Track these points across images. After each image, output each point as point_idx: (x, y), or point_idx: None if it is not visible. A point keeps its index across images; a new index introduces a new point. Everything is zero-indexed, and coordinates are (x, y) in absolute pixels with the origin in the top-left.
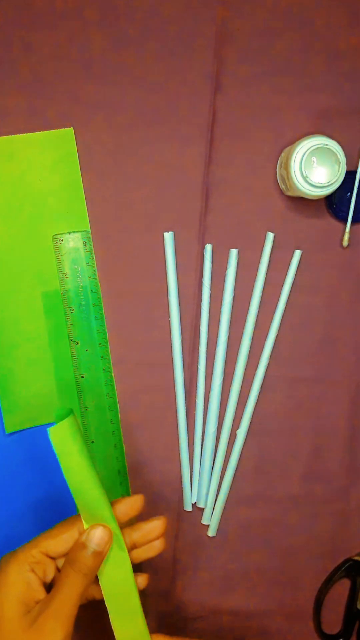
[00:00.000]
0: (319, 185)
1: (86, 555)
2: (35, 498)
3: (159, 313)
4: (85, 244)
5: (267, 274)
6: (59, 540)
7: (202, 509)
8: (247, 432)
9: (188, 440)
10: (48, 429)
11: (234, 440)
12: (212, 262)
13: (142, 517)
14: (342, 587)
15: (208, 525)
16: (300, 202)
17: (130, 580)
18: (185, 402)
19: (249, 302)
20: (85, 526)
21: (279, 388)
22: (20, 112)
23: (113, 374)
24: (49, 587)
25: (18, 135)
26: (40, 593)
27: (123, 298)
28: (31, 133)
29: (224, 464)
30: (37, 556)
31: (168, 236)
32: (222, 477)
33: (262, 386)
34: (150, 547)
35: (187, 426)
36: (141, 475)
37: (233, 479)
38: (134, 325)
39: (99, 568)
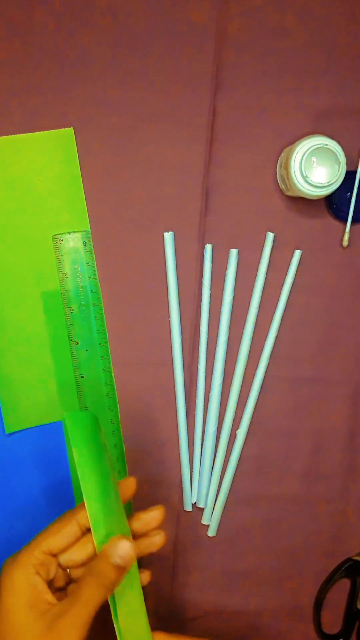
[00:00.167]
0: (319, 185)
1: (109, 567)
2: (35, 498)
3: (159, 313)
4: (85, 244)
5: (267, 274)
6: (59, 537)
7: (202, 509)
8: (247, 432)
9: (188, 440)
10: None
11: (234, 440)
12: (212, 262)
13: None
14: (342, 587)
15: (208, 525)
16: (300, 202)
17: (136, 578)
18: (185, 402)
19: (249, 302)
20: (95, 535)
21: (279, 388)
22: (20, 112)
23: (113, 374)
24: (51, 584)
25: (18, 135)
26: (48, 594)
27: (123, 298)
28: (31, 133)
29: (224, 464)
30: (40, 557)
31: (168, 236)
32: (222, 477)
33: (262, 386)
34: (151, 543)
35: (187, 426)
36: (141, 475)
37: (233, 479)
38: (134, 325)
39: (120, 581)
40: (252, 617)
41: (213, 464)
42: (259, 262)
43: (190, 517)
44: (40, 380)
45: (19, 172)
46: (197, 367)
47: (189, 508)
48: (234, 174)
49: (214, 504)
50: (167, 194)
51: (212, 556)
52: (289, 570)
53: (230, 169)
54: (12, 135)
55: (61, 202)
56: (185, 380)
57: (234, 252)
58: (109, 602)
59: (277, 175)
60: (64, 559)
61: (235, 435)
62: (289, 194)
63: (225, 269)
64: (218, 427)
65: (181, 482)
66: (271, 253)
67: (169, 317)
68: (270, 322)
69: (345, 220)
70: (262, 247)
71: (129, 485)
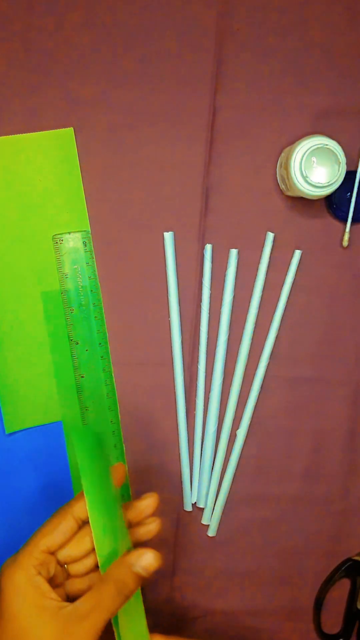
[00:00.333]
0: (319, 185)
1: (131, 576)
2: (35, 497)
3: (159, 313)
4: (85, 244)
5: (267, 274)
6: (57, 534)
7: (202, 509)
8: (247, 432)
9: (188, 440)
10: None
11: (234, 440)
12: (212, 262)
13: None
14: (342, 587)
15: (208, 525)
16: (300, 202)
17: (139, 599)
18: (185, 402)
19: (249, 302)
20: (94, 531)
21: (279, 388)
22: (20, 112)
23: (113, 374)
24: (51, 581)
25: (18, 135)
26: (52, 593)
27: (123, 298)
28: (31, 133)
29: (224, 464)
30: (40, 557)
31: (168, 236)
32: (222, 477)
33: (262, 386)
34: (147, 531)
35: (187, 426)
36: (141, 475)
37: (233, 479)
38: (134, 325)
39: (137, 590)
40: (252, 617)
41: (213, 464)
42: (259, 262)
43: (190, 517)
44: (40, 380)
45: (19, 172)
46: (197, 367)
47: (189, 508)
48: (234, 174)
49: (214, 504)
50: (167, 194)
51: (212, 556)
52: (289, 570)
53: (230, 169)
54: (12, 135)
55: (61, 202)
56: (185, 380)
57: (234, 252)
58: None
59: (277, 175)
60: (62, 555)
61: (235, 435)
62: (289, 194)
63: (225, 269)
64: (218, 427)
65: (181, 482)
66: (271, 253)
67: (169, 317)
68: (270, 322)
69: (345, 220)
70: (262, 247)
71: (119, 471)
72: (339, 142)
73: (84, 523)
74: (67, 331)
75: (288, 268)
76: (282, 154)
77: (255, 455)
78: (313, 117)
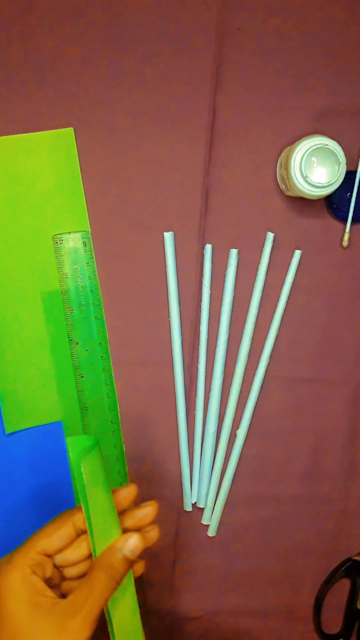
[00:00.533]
0: (319, 185)
1: (120, 561)
2: (35, 497)
3: (159, 313)
4: (85, 244)
5: (267, 274)
6: (55, 538)
7: (202, 509)
8: (247, 432)
9: (188, 440)
10: (80, 462)
11: (234, 440)
12: (212, 262)
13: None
14: (342, 587)
15: (208, 525)
16: (300, 202)
17: (131, 586)
18: (185, 402)
19: (249, 302)
20: (93, 546)
21: (279, 388)
22: (20, 112)
23: (113, 374)
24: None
25: (18, 135)
26: (48, 591)
27: (123, 298)
28: (31, 133)
29: (224, 464)
30: (36, 557)
31: (168, 236)
32: (222, 477)
33: (262, 386)
34: (145, 539)
35: (187, 426)
36: (141, 475)
37: (233, 479)
38: (134, 325)
39: (126, 574)
40: (251, 617)
41: (213, 464)
42: (259, 262)
43: (190, 517)
44: (40, 380)
45: (19, 172)
46: (197, 367)
47: (189, 508)
48: (234, 174)
49: (214, 504)
50: (167, 194)
51: (212, 556)
52: (289, 570)
53: (230, 169)
54: (12, 135)
55: (61, 202)
56: (185, 380)
57: (234, 252)
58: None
59: (277, 175)
60: (58, 559)
61: (235, 435)
62: (289, 194)
63: (225, 269)
64: (218, 427)
65: (181, 482)
66: (271, 253)
67: (169, 317)
68: (270, 322)
69: (345, 220)
70: (262, 247)
71: (129, 495)
72: (339, 142)
73: (82, 532)
74: (67, 331)
75: (288, 268)
76: (282, 154)
77: (255, 455)
78: (313, 117)
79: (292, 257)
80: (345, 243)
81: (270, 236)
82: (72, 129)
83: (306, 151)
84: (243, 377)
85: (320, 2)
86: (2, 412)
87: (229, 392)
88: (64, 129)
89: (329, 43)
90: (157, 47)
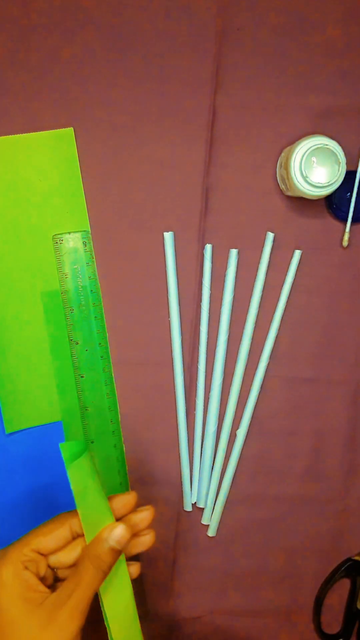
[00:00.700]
0: (319, 185)
1: (106, 551)
2: (34, 497)
3: (159, 313)
4: (85, 244)
5: (267, 274)
6: (50, 538)
7: (202, 509)
8: (247, 432)
9: (188, 440)
10: (69, 466)
11: (234, 440)
12: (212, 262)
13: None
14: (342, 587)
15: (208, 525)
16: (300, 202)
17: (124, 571)
18: (185, 402)
19: (249, 302)
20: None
21: (279, 388)
22: (20, 112)
23: (113, 374)
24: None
25: (18, 135)
26: (40, 586)
27: (123, 298)
28: (31, 133)
29: (224, 464)
30: (30, 554)
31: (168, 236)
32: (222, 477)
33: (262, 386)
34: (141, 542)
35: (187, 426)
36: (141, 476)
37: (233, 479)
38: (134, 325)
39: (114, 565)
40: (252, 617)
41: (213, 464)
42: (259, 262)
43: (190, 517)
44: (40, 380)
45: (19, 172)
46: (197, 367)
47: (189, 508)
48: (234, 174)
49: (214, 504)
50: (167, 194)
51: (212, 556)
52: (289, 570)
53: (230, 169)
54: (12, 135)
55: (61, 202)
56: (185, 380)
57: (234, 252)
58: (99, 596)
59: (277, 175)
60: (52, 560)
61: (235, 435)
62: (289, 194)
63: (225, 269)
64: (218, 427)
65: (181, 482)
66: (271, 253)
67: (169, 317)
68: (270, 322)
69: (345, 220)
70: (262, 247)
71: (129, 502)
72: (339, 142)
73: (78, 535)
74: (67, 331)
75: (288, 268)
76: (282, 154)
77: (255, 455)
78: (313, 117)
79: (292, 257)
80: (345, 243)
81: (270, 236)
82: (72, 129)
83: (306, 151)
84: (243, 377)
85: (320, 2)
86: (2, 412)
87: (229, 392)
88: (64, 129)
89: (329, 43)
90: (157, 47)
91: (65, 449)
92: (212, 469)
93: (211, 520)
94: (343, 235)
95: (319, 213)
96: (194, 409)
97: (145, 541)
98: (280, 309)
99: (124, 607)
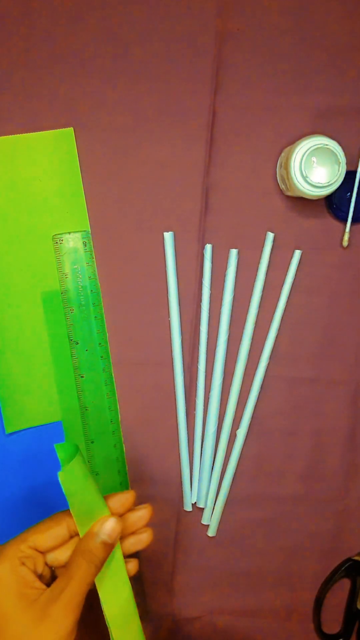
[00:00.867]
0: (319, 185)
1: (98, 545)
2: (35, 497)
3: (159, 313)
4: (85, 244)
5: (267, 274)
6: (47, 536)
7: (202, 509)
8: (247, 432)
9: (188, 440)
10: (59, 473)
11: (234, 440)
12: (212, 262)
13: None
14: (342, 587)
15: (208, 525)
16: (300, 202)
17: (125, 579)
18: (185, 402)
19: (249, 302)
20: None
21: (279, 388)
22: (20, 112)
23: (113, 374)
24: (40, 577)
25: (18, 135)
26: (37, 583)
27: (123, 298)
28: (31, 133)
29: (224, 464)
30: (27, 551)
31: (168, 236)
32: (222, 477)
33: (262, 386)
34: (138, 541)
35: (187, 426)
36: (141, 476)
37: (233, 479)
38: (134, 325)
39: (107, 558)
40: (252, 617)
41: (213, 464)
42: (259, 262)
43: (190, 517)
44: (40, 380)
45: (19, 172)
46: (197, 367)
47: (189, 508)
48: (234, 174)
49: (214, 504)
50: (167, 194)
51: (212, 556)
52: (289, 570)
53: (230, 169)
54: (12, 135)
55: (61, 202)
56: (185, 380)
57: (234, 252)
58: (97, 590)
59: (277, 175)
60: (50, 558)
61: (235, 435)
62: (289, 194)
63: (225, 269)
64: (218, 427)
65: (181, 482)
66: (271, 253)
67: (169, 317)
68: (270, 322)
69: (345, 220)
70: (262, 247)
71: (127, 501)
72: (339, 142)
73: (76, 534)
74: (67, 331)
75: (288, 268)
76: (282, 154)
77: (255, 455)
78: (313, 117)
79: (292, 257)
80: (345, 243)
81: (270, 236)
82: (72, 129)
83: (306, 151)
84: (243, 377)
85: (320, 2)
86: (2, 412)
87: (229, 392)
88: (64, 129)
89: (329, 43)
90: (157, 47)
91: (60, 450)
92: (212, 469)
93: (211, 520)
94: (343, 235)
95: (319, 213)
96: (194, 409)
97: (143, 539)
98: (280, 309)
99: (123, 606)
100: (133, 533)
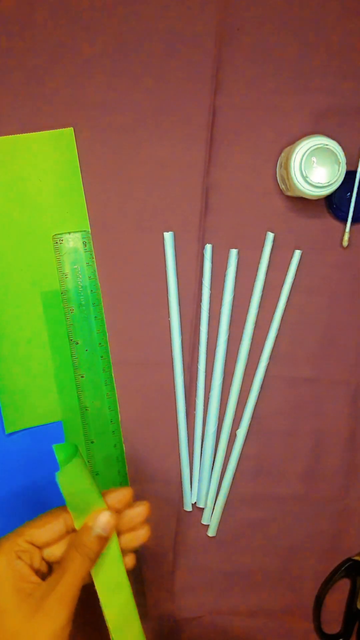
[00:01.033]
0: (319, 185)
1: (92, 539)
2: (35, 497)
3: (159, 313)
4: (85, 244)
5: (267, 274)
6: (45, 530)
7: (202, 509)
8: (247, 432)
9: (188, 440)
10: (57, 474)
11: (234, 440)
12: (212, 262)
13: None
14: (342, 587)
15: (208, 525)
16: (300, 202)
17: (124, 578)
18: (185, 402)
19: (249, 302)
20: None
21: (279, 388)
22: (20, 112)
23: (113, 374)
24: (37, 572)
25: (18, 135)
26: (33, 577)
27: (123, 298)
28: (31, 133)
29: (224, 464)
30: (23, 545)
31: (168, 236)
32: (222, 477)
33: (262, 386)
34: (136, 537)
35: (187, 426)
36: (141, 476)
37: (233, 479)
38: (134, 325)
39: (101, 552)
40: (252, 617)
41: (213, 464)
42: (259, 262)
43: (190, 517)
44: (40, 380)
45: (19, 172)
46: (197, 367)
47: (189, 508)
48: (234, 174)
49: (214, 504)
50: (167, 194)
51: (212, 556)
52: (289, 570)
53: (230, 169)
54: (12, 135)
55: (61, 202)
56: (185, 380)
57: (234, 252)
58: (95, 587)
59: (277, 175)
60: (47, 553)
61: (235, 435)
62: (289, 194)
63: (225, 269)
64: (218, 427)
65: (181, 482)
66: (271, 253)
67: (169, 317)
68: (270, 322)
69: (345, 220)
70: (262, 247)
71: (124, 498)
72: (339, 142)
73: (73, 530)
74: (67, 331)
75: (288, 268)
76: (282, 154)
77: (255, 455)
78: (313, 117)
79: (292, 257)
80: (345, 243)
81: (270, 236)
82: (72, 129)
83: (306, 151)
84: (243, 377)
85: (320, 2)
86: (2, 412)
87: (229, 392)
88: (64, 129)
89: (329, 43)
90: (157, 47)
91: (59, 451)
92: (212, 469)
93: (211, 520)
94: (343, 235)
95: (319, 213)
96: (194, 409)
97: (141, 536)
98: (280, 309)
99: (122, 603)
100: (131, 529)
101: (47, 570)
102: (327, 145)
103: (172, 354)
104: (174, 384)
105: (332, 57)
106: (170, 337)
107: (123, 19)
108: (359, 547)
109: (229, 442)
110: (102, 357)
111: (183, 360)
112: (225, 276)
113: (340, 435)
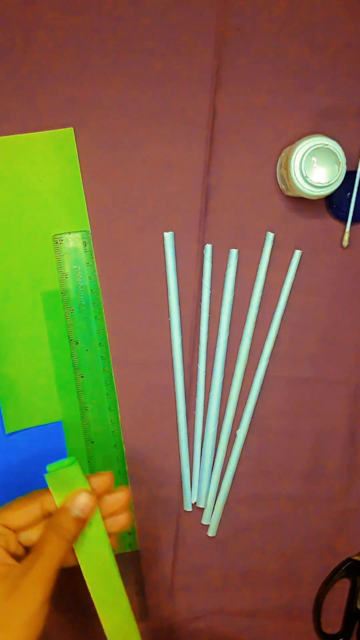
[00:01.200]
0: (319, 185)
1: (69, 520)
2: None
3: (159, 313)
4: (85, 244)
5: (267, 274)
6: (20, 513)
7: (202, 509)
8: (247, 432)
9: (188, 440)
10: (45, 476)
11: (234, 440)
12: (212, 262)
13: (143, 516)
14: (342, 587)
15: (208, 525)
16: (300, 202)
17: (111, 558)
18: (185, 402)
19: (249, 302)
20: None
21: (279, 388)
22: (20, 112)
23: (113, 374)
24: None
25: (18, 135)
26: (8, 559)
27: (123, 298)
28: (31, 133)
29: (224, 464)
30: None
31: (168, 236)
32: (222, 477)
33: (262, 386)
34: (115, 522)
35: (187, 426)
36: (141, 476)
37: (233, 479)
38: (134, 325)
39: (79, 534)
40: (252, 617)
41: (213, 464)
42: (259, 262)
43: (190, 517)
44: (40, 380)
45: (19, 172)
46: (197, 366)
47: (189, 508)
48: (234, 174)
49: (214, 504)
50: (167, 194)
51: (212, 556)
52: (289, 570)
53: (230, 169)
54: (12, 135)
55: (61, 202)
56: (185, 380)
57: (234, 252)
58: (90, 589)
59: (277, 175)
60: (23, 537)
61: (235, 435)
62: (289, 194)
63: (225, 269)
64: (218, 427)
65: (181, 482)
66: (271, 253)
67: (169, 317)
68: (270, 322)
69: (345, 220)
70: (262, 247)
71: (104, 483)
72: (339, 142)
73: (49, 514)
74: (67, 331)
75: (288, 268)
76: (282, 154)
77: (255, 455)
78: (313, 117)
79: (292, 257)
80: (345, 243)
81: (270, 236)
82: (72, 129)
83: (306, 151)
84: (243, 377)
85: (320, 2)
86: (2, 412)
87: (229, 392)
88: (64, 129)
89: (329, 43)
90: (157, 47)
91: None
92: (212, 469)
93: (211, 520)
94: (343, 235)
95: (319, 213)
96: (194, 409)
97: (121, 521)
98: (280, 309)
99: (109, 585)
100: (112, 514)
101: (24, 554)
102: (327, 145)
103: (172, 354)
104: (174, 384)
105: (332, 57)
106: (170, 337)
107: (123, 19)
108: (359, 547)
109: (229, 442)
110: (102, 357)
111: (183, 360)
112: (225, 276)
113: (340, 435)
